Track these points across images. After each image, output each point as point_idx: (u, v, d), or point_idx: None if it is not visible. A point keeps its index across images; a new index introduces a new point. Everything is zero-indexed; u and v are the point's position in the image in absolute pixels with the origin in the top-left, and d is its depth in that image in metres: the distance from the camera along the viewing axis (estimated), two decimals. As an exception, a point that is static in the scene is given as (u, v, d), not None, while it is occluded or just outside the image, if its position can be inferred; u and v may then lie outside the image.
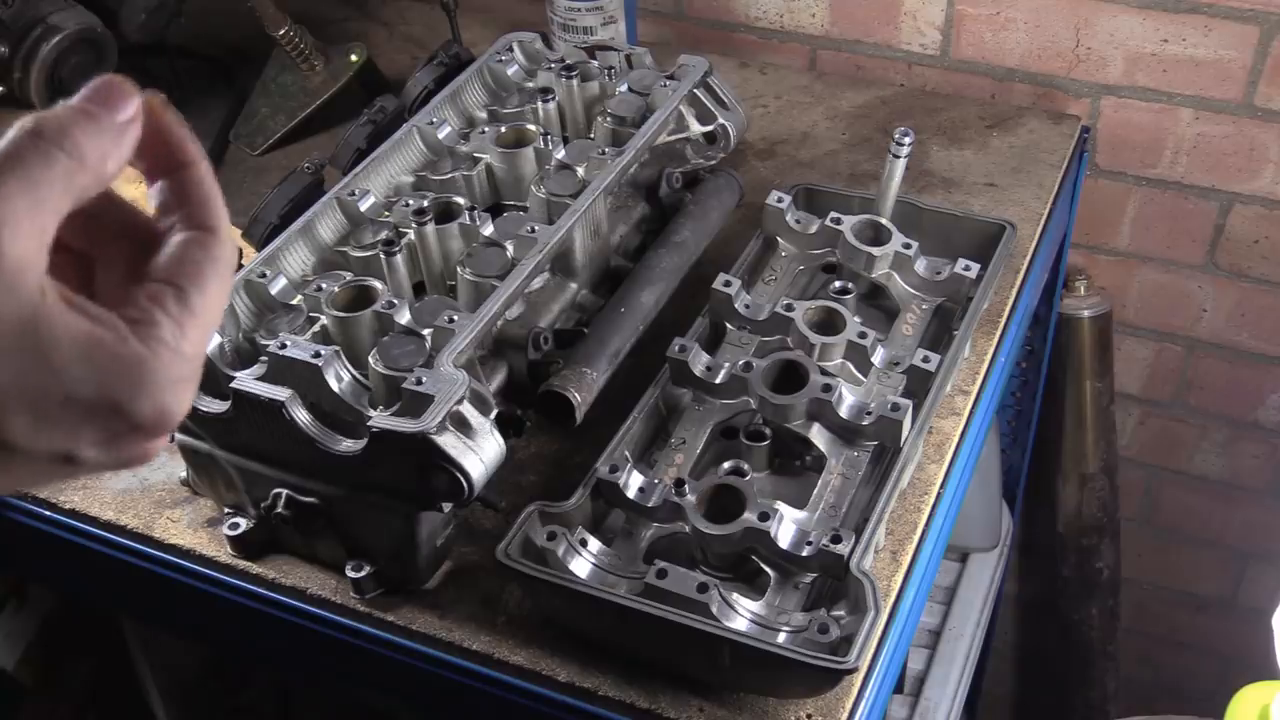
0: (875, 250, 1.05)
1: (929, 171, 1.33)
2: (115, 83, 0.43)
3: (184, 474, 1.00)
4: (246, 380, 0.87)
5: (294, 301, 0.97)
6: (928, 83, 1.54)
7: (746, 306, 1.02)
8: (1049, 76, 1.47)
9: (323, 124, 1.46)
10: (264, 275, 0.97)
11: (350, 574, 0.91)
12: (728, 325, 1.03)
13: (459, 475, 0.81)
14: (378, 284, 0.96)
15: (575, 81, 1.19)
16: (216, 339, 0.91)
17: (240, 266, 0.99)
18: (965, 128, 1.40)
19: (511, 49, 1.24)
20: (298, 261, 1.02)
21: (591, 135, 1.18)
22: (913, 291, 1.07)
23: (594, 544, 0.87)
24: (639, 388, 0.98)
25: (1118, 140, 1.48)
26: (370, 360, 0.89)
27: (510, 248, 0.99)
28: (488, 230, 1.02)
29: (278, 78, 1.47)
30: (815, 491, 0.91)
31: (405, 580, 0.92)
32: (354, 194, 1.06)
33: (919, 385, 0.96)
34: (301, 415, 0.85)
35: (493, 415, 0.86)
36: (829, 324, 0.99)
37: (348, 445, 0.85)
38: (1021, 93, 1.49)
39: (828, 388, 0.92)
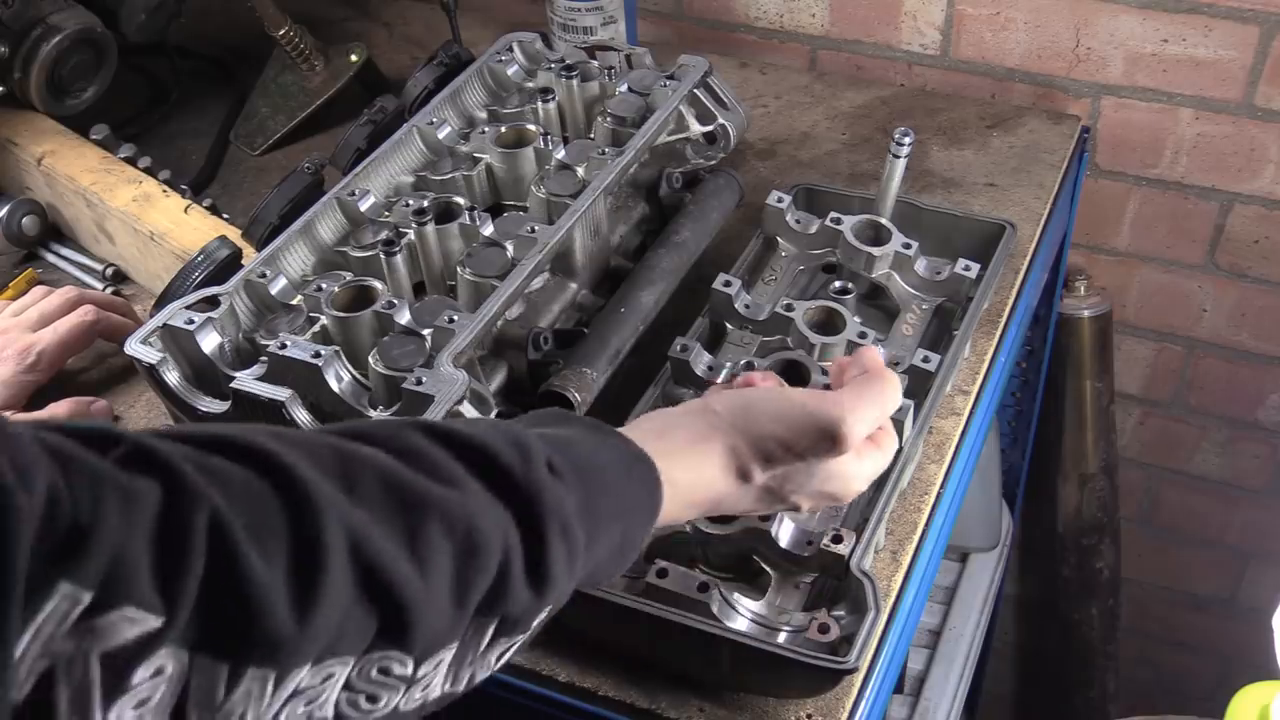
0: (875, 250, 1.05)
1: (929, 171, 1.33)
2: None
3: (184, 474, 1.00)
4: (246, 380, 0.87)
5: (294, 301, 0.97)
6: (928, 83, 1.54)
7: (746, 306, 1.01)
8: (1049, 76, 1.47)
9: (323, 124, 1.46)
10: (264, 275, 0.97)
11: (350, 574, 0.91)
12: (728, 325, 1.03)
13: (459, 475, 0.81)
14: (378, 284, 0.96)
15: (575, 81, 1.19)
16: (216, 339, 0.91)
17: (240, 267, 0.99)
18: (965, 128, 1.40)
19: (511, 49, 1.24)
20: (298, 261, 1.02)
21: (591, 135, 1.18)
22: (913, 291, 1.07)
23: (594, 544, 0.87)
24: (639, 388, 0.98)
25: (1118, 140, 1.48)
26: (370, 360, 0.89)
27: (510, 248, 0.99)
28: (488, 230, 1.02)
29: (278, 78, 1.47)
30: (815, 491, 0.91)
31: (405, 580, 0.92)
32: (354, 194, 1.06)
33: (919, 385, 0.96)
34: (301, 415, 0.85)
35: (493, 415, 0.86)
36: (829, 324, 0.99)
37: (348, 445, 0.85)
38: (1021, 93, 1.50)
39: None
